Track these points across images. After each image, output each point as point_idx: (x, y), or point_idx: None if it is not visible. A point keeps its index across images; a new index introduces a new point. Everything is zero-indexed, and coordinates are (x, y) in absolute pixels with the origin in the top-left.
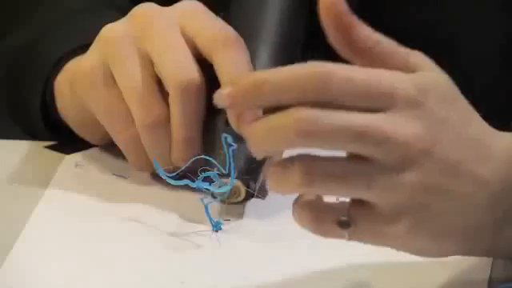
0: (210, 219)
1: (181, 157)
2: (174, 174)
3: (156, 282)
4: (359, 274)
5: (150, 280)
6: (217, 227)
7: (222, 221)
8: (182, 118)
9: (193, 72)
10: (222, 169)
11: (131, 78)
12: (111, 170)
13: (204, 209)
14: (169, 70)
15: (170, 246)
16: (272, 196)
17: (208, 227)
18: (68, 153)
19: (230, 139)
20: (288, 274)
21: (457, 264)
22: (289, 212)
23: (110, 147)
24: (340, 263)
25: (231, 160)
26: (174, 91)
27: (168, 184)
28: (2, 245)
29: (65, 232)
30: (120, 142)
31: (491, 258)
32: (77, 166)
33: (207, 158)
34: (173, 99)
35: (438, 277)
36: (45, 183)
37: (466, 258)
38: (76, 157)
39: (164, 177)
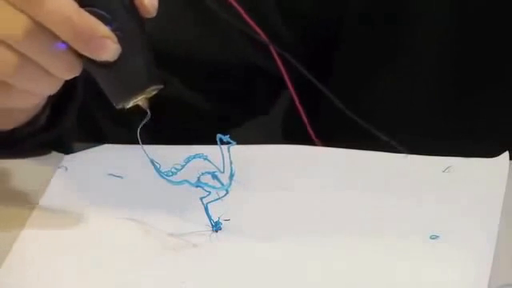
0: (210, 219)
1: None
2: (174, 174)
3: (156, 282)
4: (359, 274)
5: (150, 280)
6: (216, 227)
7: (221, 221)
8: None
9: None
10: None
11: None
12: (107, 170)
13: (203, 208)
14: None
15: (169, 246)
16: (272, 196)
17: (208, 227)
18: (68, 152)
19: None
20: (288, 274)
21: (457, 264)
22: (289, 212)
23: (106, 148)
24: (340, 263)
25: (230, 158)
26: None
27: (167, 183)
28: (1, 245)
29: (63, 233)
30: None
31: (491, 259)
32: (67, 170)
33: (205, 157)
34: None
35: (438, 277)
36: (44, 184)
37: (465, 258)
38: (71, 159)
39: (163, 177)
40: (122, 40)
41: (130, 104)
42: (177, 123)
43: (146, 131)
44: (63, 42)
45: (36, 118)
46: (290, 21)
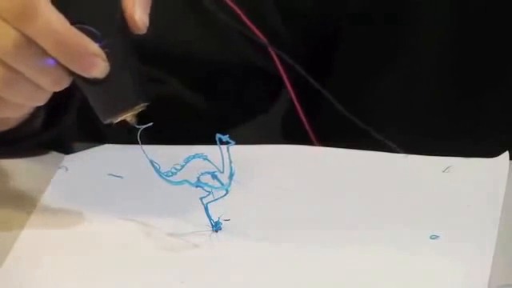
0: (210, 219)
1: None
2: (174, 174)
3: (156, 282)
4: (359, 274)
5: (150, 280)
6: (216, 227)
7: (221, 221)
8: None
9: None
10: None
11: None
12: (107, 170)
13: (203, 208)
14: None
15: (169, 246)
16: (272, 196)
17: (208, 227)
18: (68, 152)
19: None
20: (288, 273)
21: (457, 264)
22: (289, 212)
23: (106, 148)
24: (340, 263)
25: (229, 158)
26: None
27: (167, 183)
28: (1, 245)
29: (63, 233)
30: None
31: (491, 259)
32: (67, 170)
33: (205, 157)
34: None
35: (438, 277)
36: (44, 184)
37: (465, 258)
38: (71, 159)
39: (163, 177)
40: (111, 57)
41: (118, 119)
42: (177, 123)
43: (145, 131)
44: (53, 57)
45: (28, 121)
46: (289, 21)
